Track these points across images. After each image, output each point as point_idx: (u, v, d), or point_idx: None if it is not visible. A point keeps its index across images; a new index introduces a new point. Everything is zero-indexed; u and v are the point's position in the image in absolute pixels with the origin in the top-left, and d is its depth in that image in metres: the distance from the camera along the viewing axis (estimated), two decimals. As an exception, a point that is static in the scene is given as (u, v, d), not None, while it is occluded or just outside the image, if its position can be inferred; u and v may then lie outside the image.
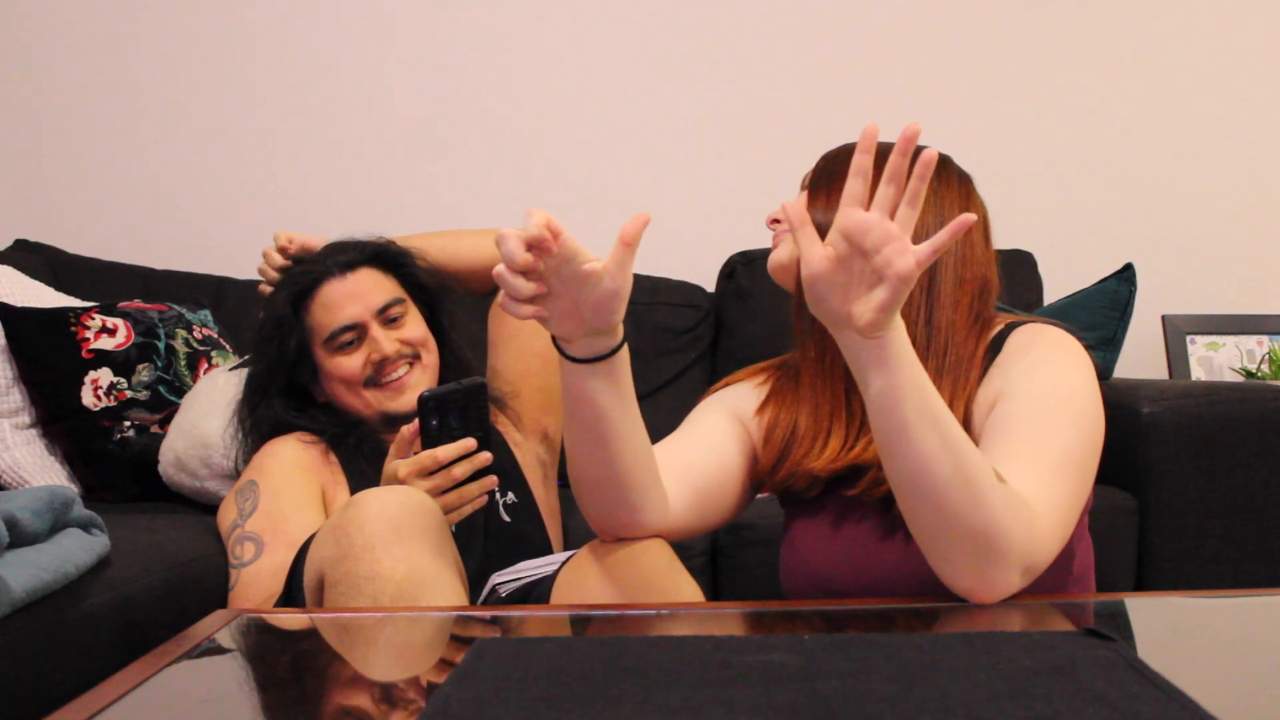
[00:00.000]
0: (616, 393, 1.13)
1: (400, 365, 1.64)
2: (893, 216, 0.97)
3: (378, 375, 1.63)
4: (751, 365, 1.38)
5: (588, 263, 1.05)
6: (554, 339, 1.12)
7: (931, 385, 1.04)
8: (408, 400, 1.61)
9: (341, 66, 2.69)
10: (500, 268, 1.04)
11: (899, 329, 1.02)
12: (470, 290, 1.80)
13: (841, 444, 1.20)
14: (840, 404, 1.21)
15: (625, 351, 1.13)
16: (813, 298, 1.02)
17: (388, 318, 1.65)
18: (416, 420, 1.34)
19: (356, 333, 1.63)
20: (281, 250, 1.74)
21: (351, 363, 1.63)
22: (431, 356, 1.68)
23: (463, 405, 1.34)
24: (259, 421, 1.67)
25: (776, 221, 1.28)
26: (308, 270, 1.66)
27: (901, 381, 1.01)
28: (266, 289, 1.73)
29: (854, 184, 0.98)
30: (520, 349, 1.74)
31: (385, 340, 1.62)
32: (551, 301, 1.07)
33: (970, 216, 0.97)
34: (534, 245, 1.02)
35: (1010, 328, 1.21)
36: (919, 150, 0.98)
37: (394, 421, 1.63)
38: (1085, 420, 1.12)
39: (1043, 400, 1.11)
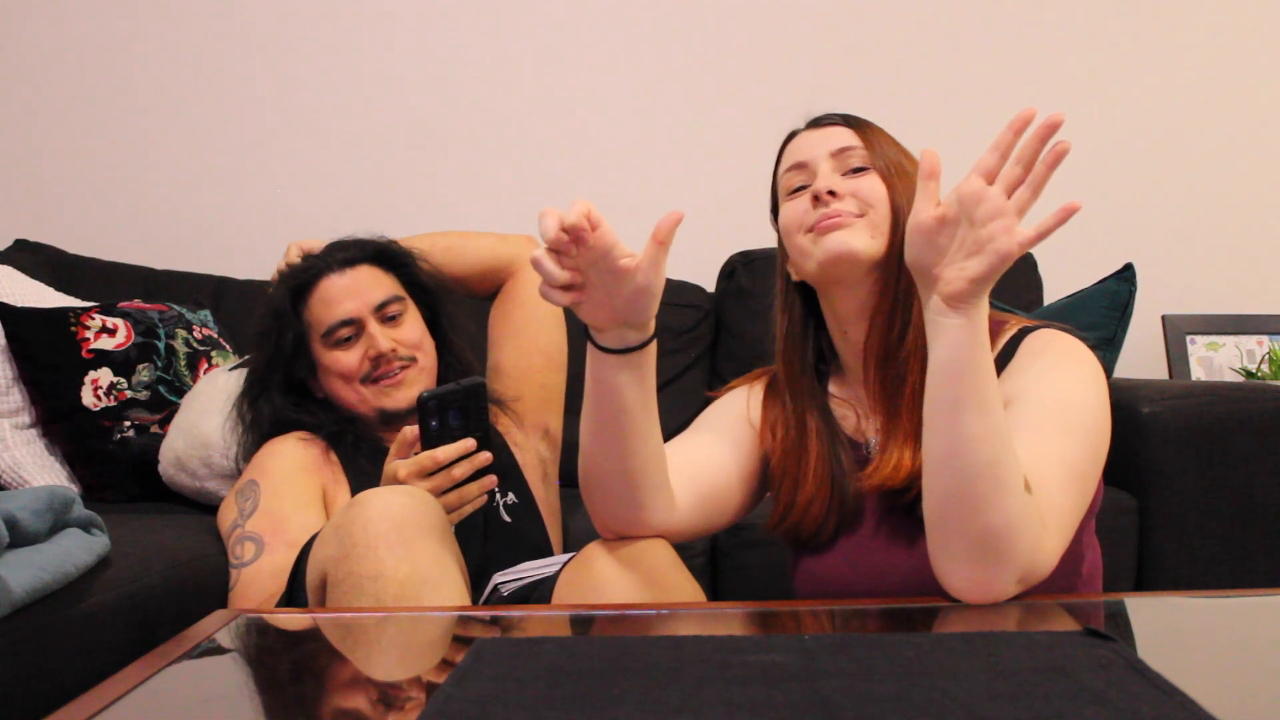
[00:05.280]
0: (640, 388, 1.14)
1: (395, 365, 1.64)
2: (1010, 196, 0.99)
3: (374, 372, 1.63)
4: (749, 373, 1.38)
5: (623, 258, 1.06)
6: (586, 328, 1.13)
7: (994, 373, 1.03)
8: (404, 396, 1.62)
9: (342, 66, 2.69)
10: (538, 252, 1.05)
11: (981, 307, 1.02)
12: (472, 292, 1.81)
13: (915, 455, 1.17)
14: (916, 412, 1.15)
15: (653, 348, 1.14)
16: (910, 248, 1.03)
17: (385, 315, 1.65)
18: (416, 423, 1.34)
19: (353, 328, 1.63)
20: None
21: (349, 358, 1.63)
22: (428, 359, 1.68)
23: (462, 405, 1.34)
24: (258, 416, 1.67)
25: (833, 195, 1.21)
26: (308, 266, 1.66)
27: (964, 358, 1.01)
28: None
29: (988, 157, 1.00)
30: (522, 346, 1.75)
31: (381, 336, 1.62)
32: (587, 291, 1.08)
33: (1078, 205, 0.97)
34: (570, 231, 1.03)
35: (1023, 333, 1.20)
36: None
37: (390, 419, 1.63)
38: (1092, 432, 1.12)
39: (1050, 410, 1.11)
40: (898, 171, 1.22)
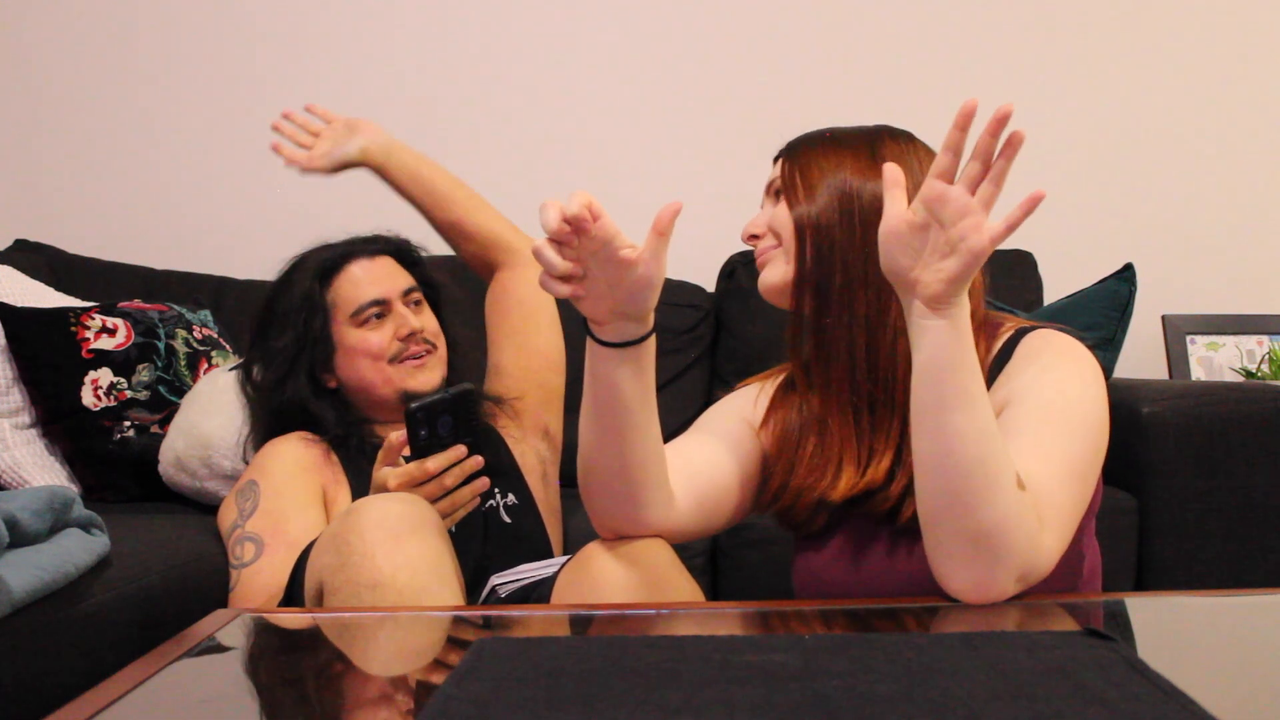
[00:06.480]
0: (639, 383, 1.14)
1: (421, 348, 1.68)
2: (974, 192, 1.00)
3: (403, 352, 1.66)
4: (763, 372, 1.38)
5: (624, 249, 1.06)
6: (585, 321, 1.13)
7: (979, 372, 1.04)
8: (426, 379, 1.66)
9: (342, 66, 2.69)
10: (539, 242, 1.05)
11: (962, 306, 1.03)
12: (459, 248, 1.81)
13: (856, 470, 1.19)
14: (849, 428, 1.20)
15: (652, 342, 1.14)
16: (884, 255, 1.04)
17: (409, 301, 1.70)
18: (405, 430, 1.33)
19: (382, 308, 1.67)
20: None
21: (378, 337, 1.66)
22: (443, 349, 1.72)
23: (451, 412, 1.33)
24: (281, 399, 1.66)
25: (755, 238, 1.26)
26: (335, 250, 1.70)
27: (948, 358, 1.02)
28: (294, 157, 1.76)
29: (943, 157, 1.01)
30: (521, 346, 1.76)
31: (411, 316, 1.67)
32: (587, 283, 1.08)
33: (1042, 193, 0.98)
34: (571, 222, 1.03)
35: (1020, 333, 1.20)
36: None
37: (411, 400, 1.64)
38: (1090, 431, 1.11)
39: (1048, 409, 1.11)
40: (829, 191, 1.20)
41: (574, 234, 1.04)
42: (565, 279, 1.06)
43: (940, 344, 1.02)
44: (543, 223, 1.04)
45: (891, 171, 1.04)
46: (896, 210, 1.03)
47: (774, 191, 1.26)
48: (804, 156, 1.23)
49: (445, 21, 2.70)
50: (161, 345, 2.02)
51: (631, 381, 1.13)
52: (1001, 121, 0.98)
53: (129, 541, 1.46)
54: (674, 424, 1.47)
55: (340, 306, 1.67)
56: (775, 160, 1.28)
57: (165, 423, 1.96)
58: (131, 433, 1.97)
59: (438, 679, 0.89)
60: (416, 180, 1.78)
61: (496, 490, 1.60)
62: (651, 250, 1.07)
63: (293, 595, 1.33)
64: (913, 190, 1.10)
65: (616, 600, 1.15)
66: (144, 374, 1.99)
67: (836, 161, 1.21)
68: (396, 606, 1.16)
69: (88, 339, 1.97)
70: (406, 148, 1.79)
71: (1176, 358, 2.59)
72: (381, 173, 1.78)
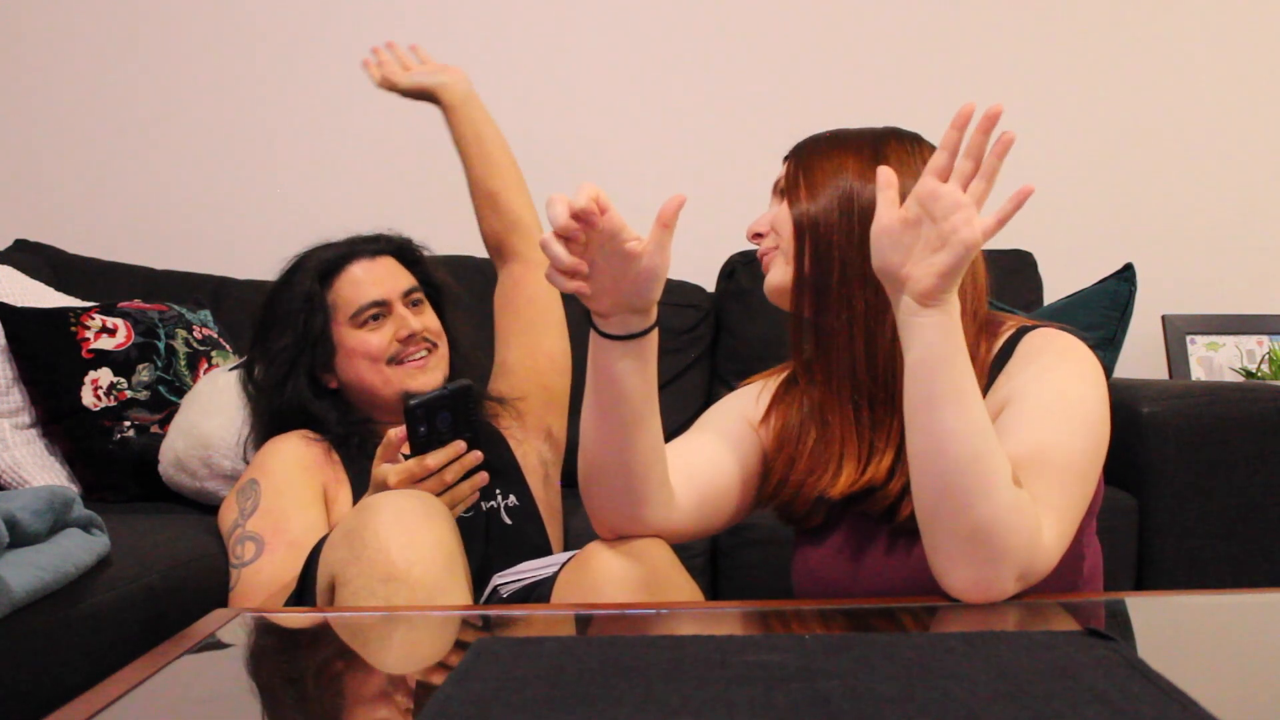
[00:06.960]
0: (642, 377, 1.14)
1: (421, 348, 1.67)
2: (965, 189, 1.02)
3: (401, 353, 1.65)
4: (766, 370, 1.38)
5: (630, 241, 1.07)
6: (589, 314, 1.13)
7: (971, 369, 1.05)
8: (427, 380, 1.65)
9: (342, 65, 2.69)
10: (546, 236, 1.05)
11: (952, 303, 1.04)
12: (478, 205, 1.83)
13: (857, 466, 1.19)
14: (849, 425, 1.20)
15: (655, 336, 1.14)
16: (876, 253, 1.06)
17: (410, 301, 1.69)
18: (404, 426, 1.34)
19: (382, 309, 1.67)
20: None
21: (378, 339, 1.66)
22: (444, 349, 1.72)
23: (450, 408, 1.33)
24: (282, 399, 1.66)
25: (759, 236, 1.26)
26: (336, 250, 1.70)
27: (938, 355, 1.03)
28: (380, 71, 1.87)
29: (939, 156, 1.03)
30: (528, 346, 1.76)
31: (411, 318, 1.67)
32: (593, 276, 1.09)
33: (1031, 187, 1.00)
34: (579, 216, 1.04)
35: (1021, 332, 1.20)
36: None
37: (410, 396, 1.64)
38: (1091, 429, 1.12)
39: (1048, 407, 1.11)
40: (830, 192, 1.20)
41: (582, 229, 1.05)
42: (571, 274, 1.07)
43: (931, 341, 1.03)
44: (550, 219, 1.04)
45: (884, 174, 1.06)
46: (890, 210, 1.05)
47: (780, 190, 1.27)
48: (809, 157, 1.24)
49: (446, 21, 2.70)
50: (161, 345, 2.02)
51: (634, 375, 1.14)
52: (992, 120, 1.02)
53: (129, 541, 1.46)
54: (674, 424, 1.47)
55: (340, 307, 1.67)
56: (785, 160, 1.28)
57: (165, 423, 1.96)
58: (131, 433, 1.97)
59: (437, 679, 0.89)
60: (478, 137, 1.82)
61: (498, 491, 1.60)
62: (656, 242, 1.08)
63: (303, 593, 1.33)
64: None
65: (616, 600, 1.15)
66: (144, 374, 1.99)
67: (839, 163, 1.21)
68: (401, 606, 1.16)
69: (88, 339, 1.97)
70: (482, 105, 1.85)
71: (1176, 358, 2.59)
72: (450, 115, 1.84)
